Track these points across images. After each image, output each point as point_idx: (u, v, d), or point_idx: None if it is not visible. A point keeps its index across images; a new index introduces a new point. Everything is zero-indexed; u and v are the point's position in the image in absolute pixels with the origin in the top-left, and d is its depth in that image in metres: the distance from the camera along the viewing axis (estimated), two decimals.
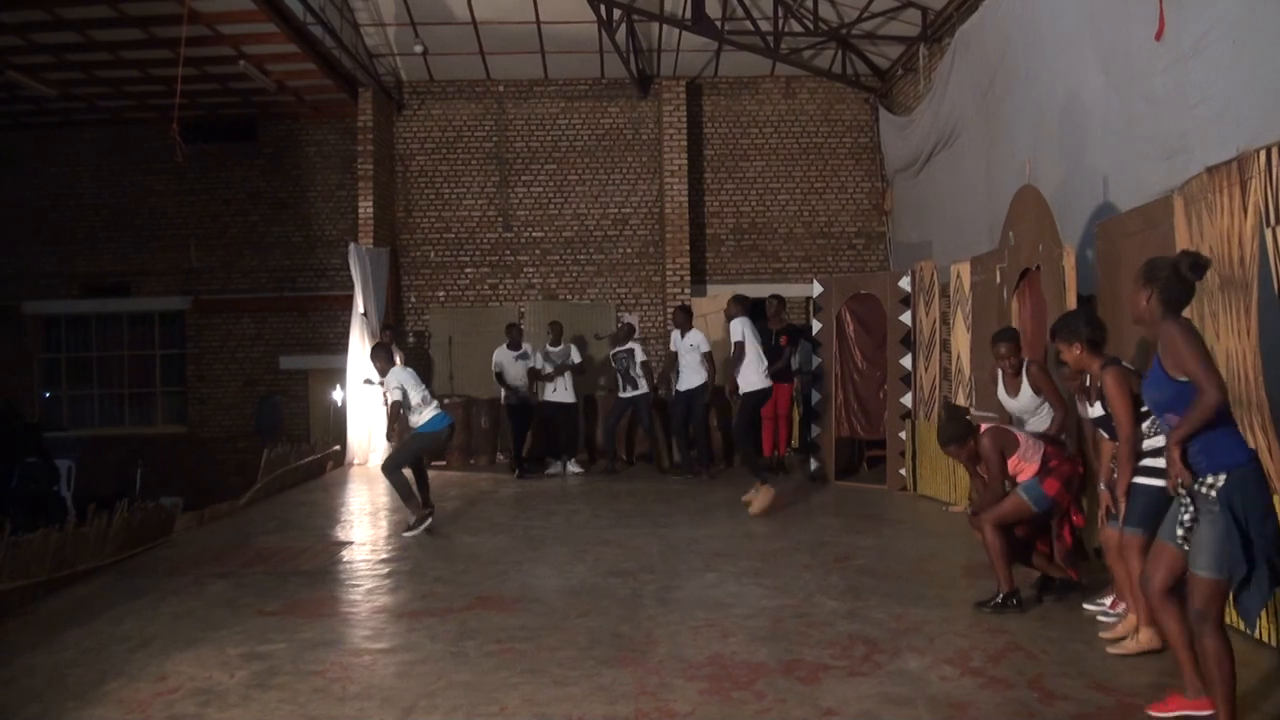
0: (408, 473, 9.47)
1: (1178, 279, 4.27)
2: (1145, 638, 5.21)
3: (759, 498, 9.76)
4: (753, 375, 10.21)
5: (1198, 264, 4.28)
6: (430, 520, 9.29)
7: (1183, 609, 4.20)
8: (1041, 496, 6.11)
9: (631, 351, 13.17)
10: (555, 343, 13.49)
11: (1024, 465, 6.26)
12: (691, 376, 12.35)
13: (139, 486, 15.61)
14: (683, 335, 12.56)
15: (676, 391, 12.63)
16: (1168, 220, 6.41)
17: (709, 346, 12.52)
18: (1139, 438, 5.10)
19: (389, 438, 10.29)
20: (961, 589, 6.49)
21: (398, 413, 9.57)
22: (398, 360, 10.27)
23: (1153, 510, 4.85)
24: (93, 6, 12.86)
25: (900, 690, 4.78)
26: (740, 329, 10.28)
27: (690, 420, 12.44)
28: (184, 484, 16.02)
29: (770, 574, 7.28)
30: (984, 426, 6.58)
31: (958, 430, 6.56)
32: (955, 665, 5.11)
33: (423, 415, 9.55)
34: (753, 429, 10.74)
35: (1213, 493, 4.01)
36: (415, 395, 9.54)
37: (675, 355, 12.76)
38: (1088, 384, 5.60)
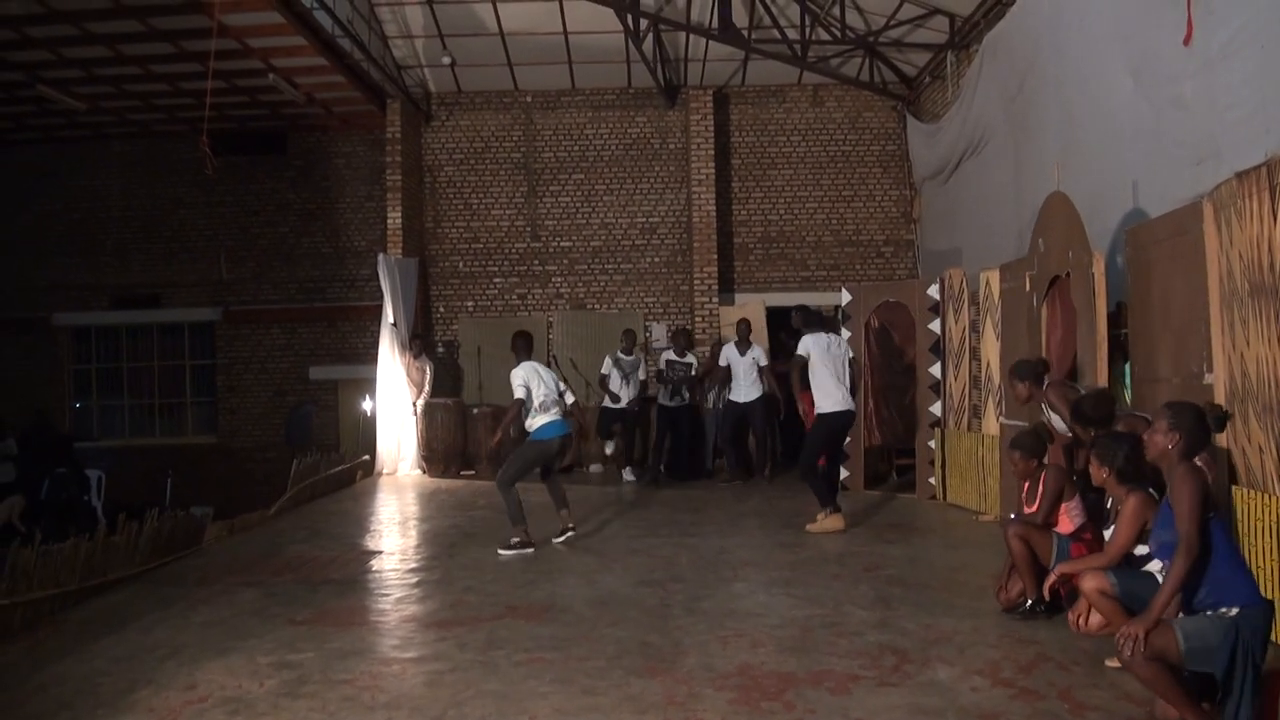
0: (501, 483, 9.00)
1: (1201, 428, 4.55)
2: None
3: (825, 521, 9.33)
4: (834, 395, 9.47)
5: (1221, 418, 4.82)
6: (531, 549, 8.69)
7: (1169, 671, 4.27)
8: (1064, 554, 6.14)
9: (690, 365, 13.33)
10: (628, 351, 13.59)
11: (1065, 519, 6.35)
12: (751, 389, 12.81)
13: (169, 496, 15.71)
14: (742, 353, 12.92)
15: (730, 402, 12.95)
16: (1197, 226, 6.38)
17: (767, 360, 12.99)
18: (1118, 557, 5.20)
19: (496, 444, 9.76)
20: (992, 599, 6.46)
21: (516, 414, 9.02)
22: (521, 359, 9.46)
23: (1138, 582, 4.92)
24: (122, 21, 12.98)
25: (930, 701, 4.77)
26: (808, 346, 9.55)
27: (750, 429, 12.98)
28: (214, 493, 16.13)
29: (799, 583, 7.28)
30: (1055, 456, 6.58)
31: (1034, 445, 6.62)
32: (986, 676, 5.09)
33: (537, 419, 9.01)
34: (821, 453, 9.94)
35: (1228, 615, 4.19)
36: (538, 394, 8.96)
37: (722, 369, 13.13)
38: (1107, 504, 5.67)
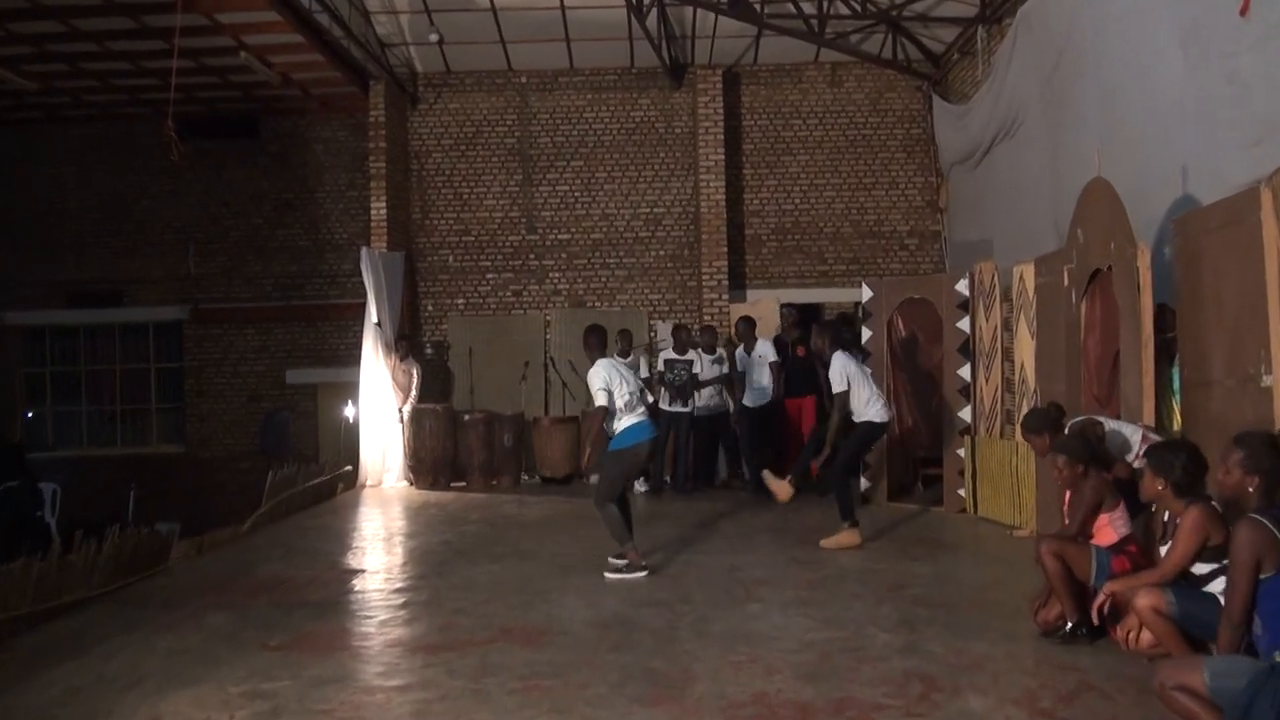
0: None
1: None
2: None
3: (841, 536, 9.31)
4: (876, 404, 9.57)
5: None
6: (644, 573, 8.34)
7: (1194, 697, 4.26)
8: (1104, 570, 6.06)
9: (691, 364, 13.21)
10: (625, 353, 13.15)
11: (1107, 530, 6.29)
12: (761, 391, 12.97)
13: (132, 511, 15.67)
14: (749, 350, 13.07)
15: (744, 407, 13.05)
16: (1254, 214, 6.33)
17: (776, 356, 13.06)
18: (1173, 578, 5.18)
19: (588, 461, 9.11)
20: (1028, 621, 6.41)
21: (603, 423, 8.55)
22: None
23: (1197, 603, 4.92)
24: None
25: None
26: (840, 367, 9.52)
27: (765, 431, 13.00)
28: (181, 508, 16.04)
29: (817, 604, 7.25)
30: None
31: (1082, 450, 6.49)
32: (1022, 706, 5.05)
33: (621, 422, 8.57)
34: (857, 465, 10.27)
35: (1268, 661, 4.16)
36: (621, 394, 8.54)
37: (727, 373, 13.25)
38: (1164, 519, 5.61)
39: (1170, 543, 5.26)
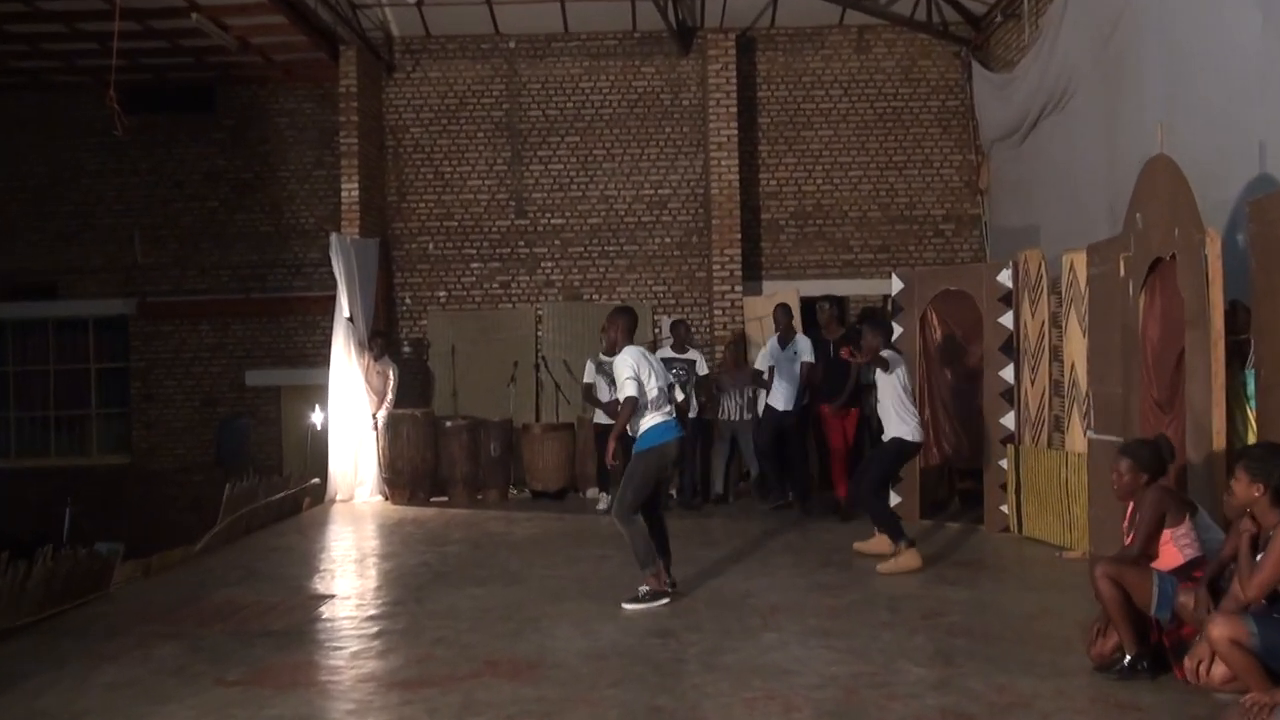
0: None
1: None
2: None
3: (900, 559, 9.31)
4: (911, 421, 9.79)
5: None
6: (667, 600, 8.27)
7: None
8: (1167, 598, 5.99)
9: (693, 363, 13.19)
10: (611, 351, 13.02)
11: (1172, 550, 6.25)
12: (791, 392, 12.79)
13: (68, 529, 15.61)
14: (783, 344, 12.92)
15: (770, 409, 12.96)
16: None
17: (812, 356, 12.88)
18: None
19: (610, 458, 8.75)
20: (1080, 654, 6.39)
21: (630, 418, 8.39)
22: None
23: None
24: None
25: None
26: (901, 366, 9.87)
27: (786, 444, 12.87)
28: (126, 526, 16.02)
29: (842, 634, 7.24)
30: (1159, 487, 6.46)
31: (1150, 458, 6.45)
32: None
33: (645, 420, 8.46)
34: (885, 486, 10.38)
35: None
36: (650, 388, 8.43)
37: (753, 371, 13.25)
38: (1255, 530, 5.57)
39: (1260, 560, 5.22)
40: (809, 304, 15.57)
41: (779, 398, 12.83)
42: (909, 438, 9.75)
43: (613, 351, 10.71)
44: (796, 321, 15.13)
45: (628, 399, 8.32)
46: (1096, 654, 6.24)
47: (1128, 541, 6.39)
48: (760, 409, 13.23)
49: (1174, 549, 6.21)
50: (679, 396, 9.01)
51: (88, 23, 14.88)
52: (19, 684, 6.51)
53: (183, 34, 15.62)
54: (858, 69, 17.36)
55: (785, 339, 13.02)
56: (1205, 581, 5.84)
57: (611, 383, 12.06)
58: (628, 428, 8.45)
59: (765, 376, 12.99)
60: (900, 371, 9.80)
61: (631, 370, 8.35)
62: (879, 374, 9.83)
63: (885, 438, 9.93)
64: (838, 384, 12.63)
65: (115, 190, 17.97)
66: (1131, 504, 6.47)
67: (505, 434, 14.72)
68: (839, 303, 13.22)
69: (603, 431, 12.50)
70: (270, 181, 17.89)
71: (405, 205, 17.37)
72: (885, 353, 9.81)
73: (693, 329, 14.04)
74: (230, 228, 17.89)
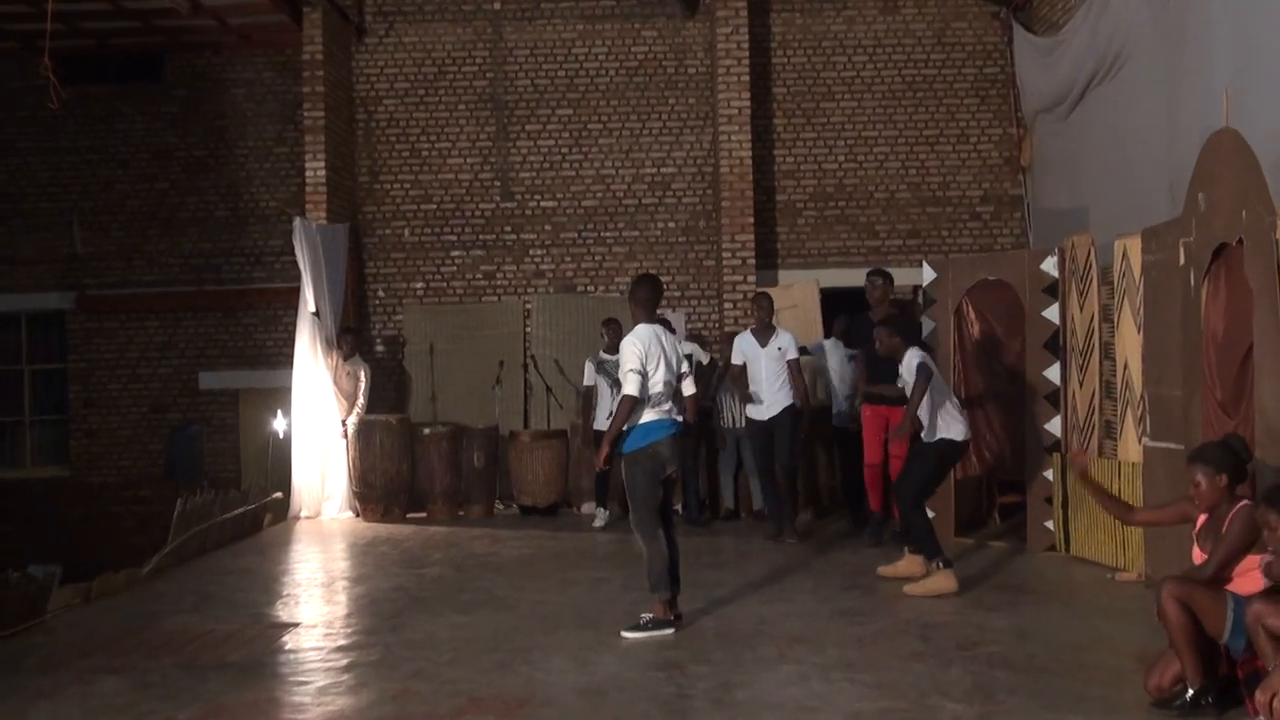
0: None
1: None
2: None
3: (932, 581, 9.35)
4: (959, 419, 9.84)
5: None
6: (672, 630, 8.29)
7: None
8: (1241, 625, 5.97)
9: (689, 357, 13.04)
10: (612, 349, 12.72)
11: (1255, 576, 6.21)
12: (777, 396, 12.20)
13: None
14: (763, 341, 12.32)
15: (751, 420, 12.46)
16: None
17: (797, 352, 12.38)
18: None
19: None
20: (1136, 687, 6.40)
21: (626, 417, 8.37)
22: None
23: None
24: None
25: None
26: (913, 362, 9.79)
27: (775, 457, 12.25)
28: (64, 546, 15.97)
29: (868, 666, 7.25)
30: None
31: (1230, 462, 6.43)
32: None
33: (639, 416, 8.41)
34: (930, 490, 10.21)
35: None
36: (655, 379, 8.37)
37: (741, 368, 12.55)
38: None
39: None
40: (830, 296, 15.63)
41: (762, 406, 12.27)
42: (958, 438, 9.77)
43: (616, 349, 10.59)
44: (815, 315, 15.17)
45: (624, 398, 8.30)
46: (1155, 687, 6.23)
47: (1199, 558, 6.35)
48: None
49: (1258, 574, 6.14)
50: (690, 390, 8.85)
51: None
52: None
53: None
54: (884, 32, 17.36)
55: (764, 335, 12.42)
56: None
57: (615, 384, 11.67)
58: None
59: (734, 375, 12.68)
60: (934, 367, 9.82)
61: (637, 360, 8.29)
62: (908, 365, 9.81)
63: (927, 439, 9.87)
64: (887, 375, 11.18)
65: (50, 171, 17.93)
66: (1204, 516, 6.44)
67: (490, 443, 14.72)
68: (890, 278, 12.36)
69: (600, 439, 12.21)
70: (226, 160, 17.85)
71: (377, 186, 17.37)
72: (915, 358, 9.74)
73: (689, 319, 13.90)
74: (181, 212, 17.86)
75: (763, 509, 13.08)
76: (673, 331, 10.06)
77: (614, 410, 8.56)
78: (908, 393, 9.86)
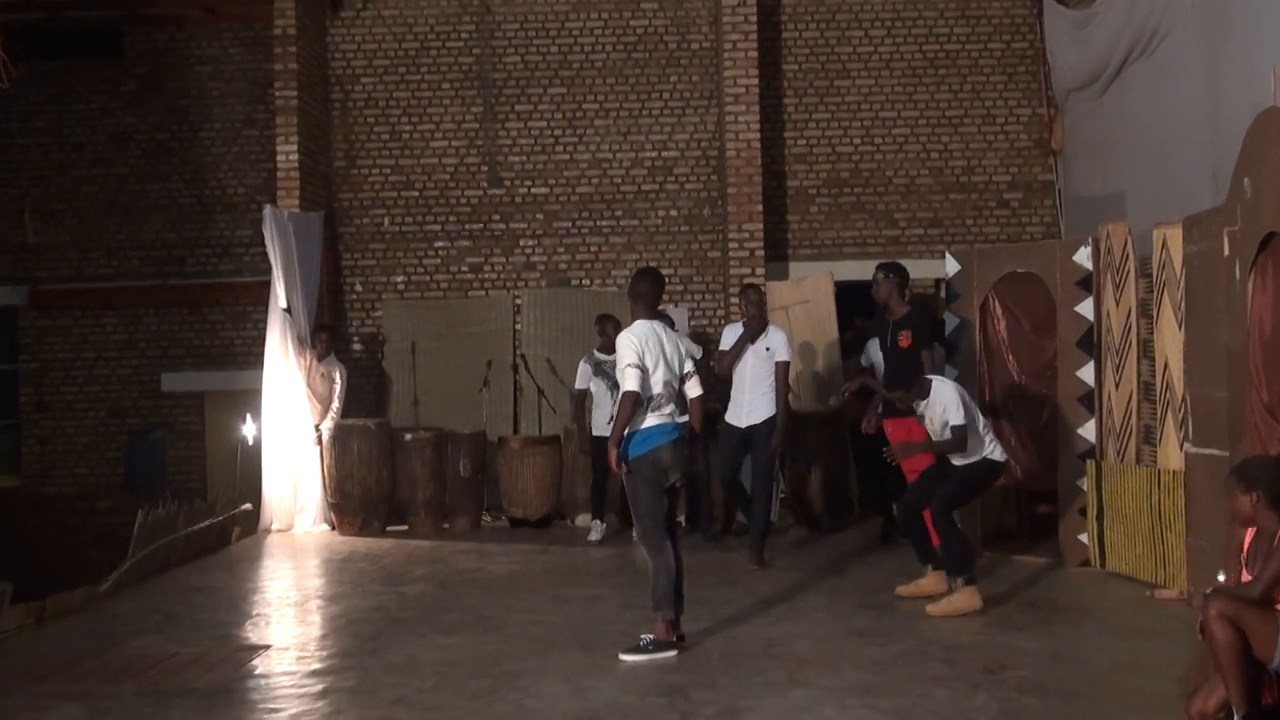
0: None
1: None
2: None
3: (956, 600, 9.37)
4: (993, 438, 9.89)
5: None
6: (674, 653, 8.29)
7: None
8: None
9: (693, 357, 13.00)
10: (608, 348, 12.59)
11: None
12: (760, 402, 11.82)
13: None
14: (753, 337, 11.96)
15: (728, 426, 12.11)
16: None
17: (790, 354, 12.08)
18: None
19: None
20: (1178, 713, 6.39)
21: (630, 415, 8.34)
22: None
23: None
24: None
25: None
26: (953, 394, 9.64)
27: (754, 469, 12.04)
28: (14, 562, 15.87)
29: (886, 691, 7.25)
30: None
31: (1271, 477, 6.41)
32: None
33: (639, 420, 8.42)
34: (960, 505, 10.24)
35: None
36: (655, 378, 8.37)
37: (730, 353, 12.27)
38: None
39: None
40: (845, 290, 15.58)
41: (741, 410, 11.95)
42: (999, 458, 9.79)
43: (613, 349, 10.43)
44: (829, 311, 15.14)
45: (625, 395, 8.27)
46: (1198, 713, 6.22)
47: (1245, 577, 6.34)
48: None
49: None
50: (695, 391, 8.77)
51: None
52: None
53: None
54: (904, 3, 17.36)
55: (755, 330, 11.96)
56: None
57: (614, 386, 11.42)
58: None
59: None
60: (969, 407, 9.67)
61: (634, 354, 8.27)
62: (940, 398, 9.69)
63: (966, 460, 9.70)
64: (900, 382, 10.89)
65: None
66: (1252, 531, 6.43)
67: (477, 450, 14.69)
68: (901, 273, 11.44)
69: (603, 443, 11.71)
70: (190, 143, 17.86)
71: (355, 172, 17.39)
72: (954, 403, 9.61)
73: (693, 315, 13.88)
74: (142, 200, 17.87)
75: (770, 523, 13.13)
76: (675, 328, 10.06)
77: (614, 414, 8.54)
78: (927, 423, 9.79)
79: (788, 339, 12.15)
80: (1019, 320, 11.87)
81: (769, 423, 11.74)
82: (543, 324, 16.80)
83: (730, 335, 12.28)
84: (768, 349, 11.88)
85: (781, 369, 11.85)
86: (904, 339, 10.99)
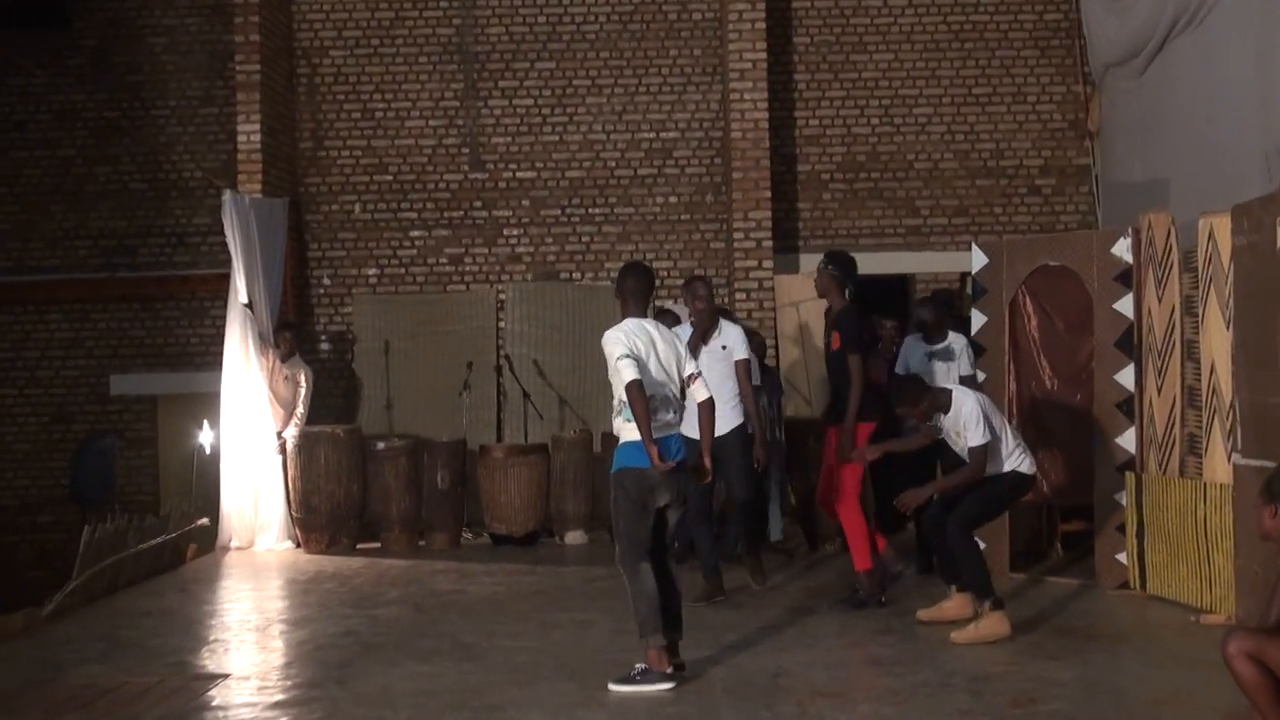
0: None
1: None
2: None
3: (982, 626, 9.34)
4: (1022, 449, 9.85)
5: None
6: (670, 684, 8.19)
7: None
8: None
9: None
10: None
11: None
12: (725, 410, 10.80)
13: None
14: (705, 336, 11.47)
15: (687, 441, 10.69)
16: None
17: (748, 352, 11.59)
18: None
19: (657, 460, 8.37)
20: None
21: (645, 404, 8.15)
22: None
23: None
24: None
25: None
26: (974, 406, 9.55)
27: (728, 490, 11.90)
28: None
29: None
30: None
31: None
32: None
33: (628, 428, 8.33)
34: (982, 522, 10.17)
35: None
36: (648, 381, 8.25)
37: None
38: None
39: None
40: (861, 285, 15.52)
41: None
42: (1028, 470, 9.78)
43: None
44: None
45: (630, 386, 8.12)
46: None
47: (1276, 609, 6.35)
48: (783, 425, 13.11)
49: None
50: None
51: None
52: None
53: None
54: None
55: (707, 328, 11.46)
56: None
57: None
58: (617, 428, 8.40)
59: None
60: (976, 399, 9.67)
61: (623, 345, 8.22)
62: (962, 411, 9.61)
63: (990, 472, 9.67)
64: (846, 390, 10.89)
65: None
66: None
67: (456, 459, 14.72)
68: (843, 264, 11.32)
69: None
70: (143, 122, 17.87)
71: (323, 154, 17.40)
72: (974, 416, 9.57)
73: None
74: (89, 184, 17.88)
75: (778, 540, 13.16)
76: (678, 322, 10.00)
77: (630, 402, 8.36)
78: (950, 439, 9.75)
79: (743, 335, 11.69)
80: (1052, 318, 11.87)
81: (737, 433, 11.22)
82: (529, 321, 16.82)
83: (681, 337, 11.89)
84: (724, 347, 11.42)
85: (742, 368, 11.39)
86: (834, 340, 10.81)
